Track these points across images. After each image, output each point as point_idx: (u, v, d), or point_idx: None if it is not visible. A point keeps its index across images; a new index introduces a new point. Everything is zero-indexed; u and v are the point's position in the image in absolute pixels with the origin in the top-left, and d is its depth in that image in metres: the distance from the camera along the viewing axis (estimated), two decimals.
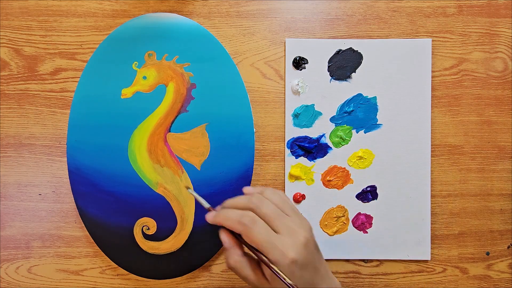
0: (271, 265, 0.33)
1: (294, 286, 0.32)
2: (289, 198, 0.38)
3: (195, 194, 0.45)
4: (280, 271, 0.33)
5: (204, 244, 0.49)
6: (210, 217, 0.38)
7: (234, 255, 0.35)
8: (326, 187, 0.51)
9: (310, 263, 0.34)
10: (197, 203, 0.49)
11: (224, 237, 0.37)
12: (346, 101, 0.50)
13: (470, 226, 0.51)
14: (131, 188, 0.49)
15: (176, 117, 0.49)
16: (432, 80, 0.51)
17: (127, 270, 0.49)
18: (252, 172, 0.49)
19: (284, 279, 0.32)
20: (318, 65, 0.50)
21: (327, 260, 0.51)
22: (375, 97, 0.51)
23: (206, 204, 0.42)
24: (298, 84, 0.50)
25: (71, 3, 0.51)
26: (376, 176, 0.51)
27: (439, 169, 0.51)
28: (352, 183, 0.51)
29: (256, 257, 0.35)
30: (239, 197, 0.38)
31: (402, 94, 0.50)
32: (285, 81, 0.51)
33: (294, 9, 0.51)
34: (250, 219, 0.34)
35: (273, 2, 0.51)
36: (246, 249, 0.37)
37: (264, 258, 0.34)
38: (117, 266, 0.50)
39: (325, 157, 0.51)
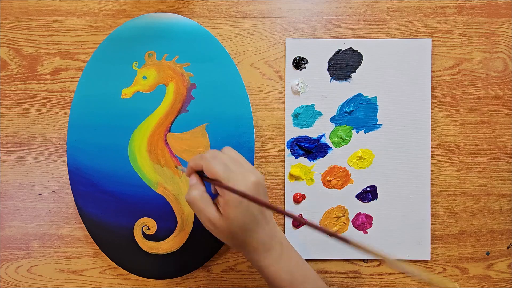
0: (225, 184, 0.37)
1: (246, 193, 0.37)
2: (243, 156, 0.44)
3: (181, 167, 0.47)
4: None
5: (204, 244, 0.49)
6: (187, 169, 0.42)
7: (196, 189, 0.39)
8: (326, 187, 0.51)
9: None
10: None
11: (192, 176, 0.41)
12: (346, 101, 0.50)
13: (470, 226, 0.51)
14: (131, 188, 0.49)
15: (176, 117, 0.49)
16: (432, 80, 0.51)
17: (127, 270, 0.49)
18: None
19: (239, 192, 0.37)
20: (318, 65, 0.50)
21: (327, 260, 0.51)
22: (375, 97, 0.51)
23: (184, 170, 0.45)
24: (298, 84, 0.50)
25: (71, 3, 0.51)
26: (376, 176, 0.51)
27: (439, 169, 0.51)
28: (352, 183, 0.51)
29: (214, 190, 0.40)
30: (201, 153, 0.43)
31: (402, 94, 0.50)
32: (285, 81, 0.51)
33: (294, 9, 0.51)
34: (210, 155, 0.39)
35: (273, 2, 0.51)
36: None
37: (219, 183, 0.38)
38: (117, 266, 0.50)
39: (325, 157, 0.51)
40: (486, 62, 0.51)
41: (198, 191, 0.39)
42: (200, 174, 0.41)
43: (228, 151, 0.42)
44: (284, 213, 0.37)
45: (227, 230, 0.38)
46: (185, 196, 0.40)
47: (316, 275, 0.43)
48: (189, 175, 0.41)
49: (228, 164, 0.39)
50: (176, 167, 0.49)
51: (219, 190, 0.38)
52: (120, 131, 0.49)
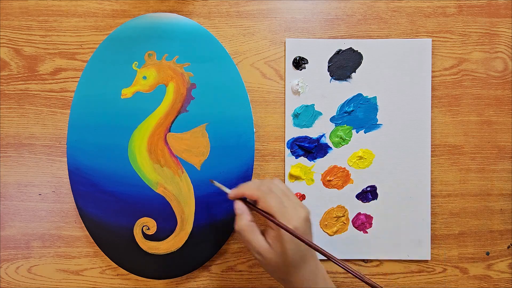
0: (279, 222, 0.38)
1: (301, 237, 0.37)
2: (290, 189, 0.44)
3: (218, 184, 0.46)
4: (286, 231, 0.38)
5: (204, 244, 0.49)
6: (232, 192, 0.42)
7: (244, 219, 0.40)
8: (326, 187, 0.51)
9: (307, 236, 0.39)
10: (198, 203, 0.49)
11: (239, 203, 0.42)
12: (346, 101, 0.50)
13: (470, 226, 0.51)
14: (131, 188, 0.49)
15: (176, 117, 0.49)
16: (432, 80, 0.51)
17: (127, 270, 0.49)
18: (252, 172, 0.49)
19: (293, 232, 0.37)
20: (318, 65, 0.50)
21: (326, 260, 0.51)
22: (375, 97, 0.51)
23: (227, 190, 0.44)
24: (298, 84, 0.50)
25: (71, 3, 0.51)
26: (376, 176, 0.51)
27: (439, 169, 0.51)
28: (352, 183, 0.51)
29: (268, 220, 0.40)
30: (252, 181, 0.44)
31: (402, 94, 0.50)
32: (285, 81, 0.51)
33: (294, 9, 0.51)
34: (267, 188, 0.40)
35: (273, 2, 0.51)
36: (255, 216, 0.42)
37: (274, 219, 0.38)
38: (117, 266, 0.50)
39: (325, 157, 0.51)
40: (486, 62, 0.51)
41: (247, 221, 0.40)
42: (244, 200, 0.42)
43: (279, 184, 0.42)
44: (329, 258, 0.37)
45: (275, 263, 0.39)
46: (235, 225, 0.41)
47: None
48: (232, 198, 0.42)
49: (281, 199, 0.39)
50: (211, 181, 0.46)
51: (270, 223, 0.39)
52: (120, 131, 0.49)
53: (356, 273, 0.37)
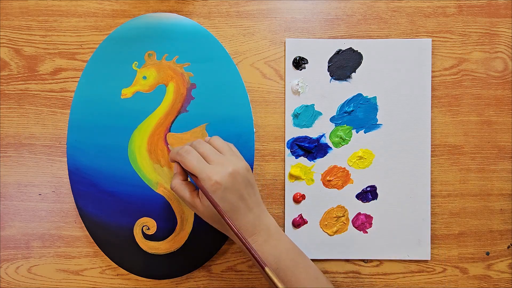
0: (199, 183, 0.40)
1: (211, 197, 0.39)
2: (232, 144, 0.45)
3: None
4: (206, 189, 0.40)
5: (204, 244, 0.49)
6: (169, 156, 0.44)
7: (176, 179, 0.43)
8: (326, 187, 0.51)
9: (234, 190, 0.40)
10: None
11: (175, 166, 0.44)
12: (346, 101, 0.50)
13: (470, 226, 0.51)
14: (131, 188, 0.49)
15: (176, 117, 0.49)
16: (432, 80, 0.51)
17: (127, 270, 0.49)
18: (252, 172, 0.49)
19: (208, 193, 0.39)
20: (318, 65, 0.50)
21: (327, 260, 0.51)
22: (375, 97, 0.51)
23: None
24: (298, 84, 0.50)
25: (71, 3, 0.51)
26: (376, 176, 0.51)
27: (439, 169, 0.51)
28: (352, 183, 0.51)
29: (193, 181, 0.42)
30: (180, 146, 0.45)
31: (402, 94, 0.50)
32: (285, 81, 0.51)
33: (294, 9, 0.51)
34: (185, 150, 0.42)
35: (273, 2, 0.51)
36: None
37: (193, 177, 0.41)
38: (117, 266, 0.50)
39: (325, 157, 0.51)
40: (486, 62, 0.51)
41: (177, 179, 0.43)
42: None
43: (214, 141, 0.43)
44: (230, 225, 0.38)
45: (208, 215, 0.41)
46: (170, 184, 0.44)
47: (309, 263, 0.43)
48: (171, 161, 0.44)
49: (207, 156, 0.41)
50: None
51: (195, 180, 0.41)
52: (120, 131, 0.49)
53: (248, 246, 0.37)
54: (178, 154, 0.42)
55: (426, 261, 0.51)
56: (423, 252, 0.51)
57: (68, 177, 0.49)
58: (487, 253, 0.51)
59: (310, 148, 0.50)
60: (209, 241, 0.49)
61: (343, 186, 0.51)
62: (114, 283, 0.51)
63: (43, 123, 0.51)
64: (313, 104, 0.50)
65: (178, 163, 0.43)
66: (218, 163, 0.41)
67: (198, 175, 0.40)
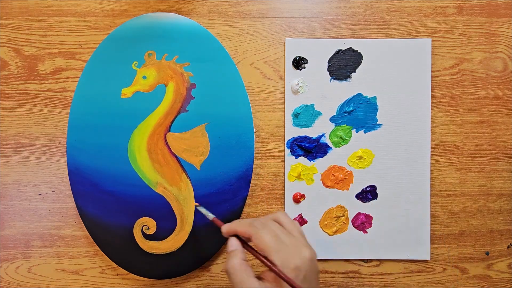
0: (274, 267, 0.34)
1: (297, 285, 0.33)
2: (297, 223, 0.40)
3: (203, 210, 0.45)
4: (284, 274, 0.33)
5: (204, 244, 0.49)
6: (225, 228, 0.39)
7: (237, 257, 0.36)
8: (326, 187, 0.51)
9: (310, 281, 0.34)
10: (197, 202, 0.49)
11: (232, 240, 0.38)
12: (346, 101, 0.50)
13: (470, 226, 0.51)
14: (131, 188, 0.49)
15: (176, 117, 0.49)
16: (432, 80, 0.51)
17: (127, 270, 0.49)
18: (252, 172, 0.49)
19: (289, 279, 0.33)
20: (318, 65, 0.50)
21: (327, 260, 0.51)
22: (375, 97, 0.51)
23: (211, 216, 0.43)
24: (298, 84, 0.50)
25: (71, 3, 0.51)
26: (376, 176, 0.51)
27: (439, 169, 0.51)
28: (352, 183, 0.51)
29: (262, 261, 0.36)
30: (247, 219, 0.40)
31: (402, 94, 0.50)
32: (285, 81, 0.51)
33: (294, 9, 0.51)
34: (260, 223, 0.36)
35: (273, 2, 0.51)
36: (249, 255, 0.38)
37: (267, 262, 0.34)
38: (117, 266, 0.50)
39: (325, 157, 0.51)
40: (486, 62, 0.51)
41: (239, 259, 0.35)
42: (239, 238, 0.38)
43: (282, 218, 0.38)
44: None
45: None
46: (225, 264, 0.36)
47: None
48: (226, 235, 0.38)
49: (279, 235, 0.35)
50: (196, 206, 0.47)
51: (267, 263, 0.35)
52: (120, 131, 0.49)
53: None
54: (252, 226, 0.36)
55: (426, 261, 0.51)
56: (423, 252, 0.51)
57: (68, 177, 0.49)
58: (487, 253, 0.51)
59: (310, 148, 0.50)
60: (209, 241, 0.49)
61: (343, 186, 0.51)
62: (114, 283, 0.51)
63: (43, 123, 0.51)
64: (313, 104, 0.50)
65: (239, 238, 0.37)
66: (292, 245, 0.35)
67: (271, 255, 0.34)
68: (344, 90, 0.50)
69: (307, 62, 0.50)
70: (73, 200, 0.49)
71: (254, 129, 0.50)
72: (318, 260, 0.51)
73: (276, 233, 0.36)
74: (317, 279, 0.36)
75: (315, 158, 0.51)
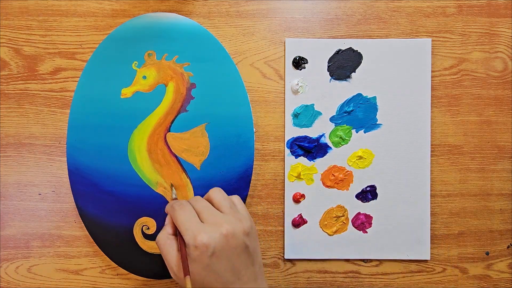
0: (183, 247, 0.35)
1: (186, 263, 0.33)
2: (238, 199, 0.40)
3: (174, 191, 0.47)
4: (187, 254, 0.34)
5: None
6: (166, 206, 0.41)
7: (164, 231, 0.38)
8: (326, 186, 0.51)
9: (225, 257, 0.34)
10: None
11: (168, 217, 0.40)
12: (346, 101, 0.50)
13: (469, 226, 0.51)
14: (131, 188, 0.49)
15: (175, 117, 0.49)
16: (432, 80, 0.51)
17: (127, 270, 0.49)
18: (252, 172, 0.49)
19: (184, 260, 0.33)
20: (318, 65, 0.50)
21: (327, 260, 0.51)
22: (375, 97, 0.51)
23: (173, 196, 0.46)
24: (298, 84, 0.50)
25: (71, 3, 0.51)
26: (376, 176, 0.51)
27: (439, 169, 0.51)
28: (352, 183, 0.51)
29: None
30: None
31: (402, 94, 0.50)
32: (285, 81, 0.51)
33: (294, 9, 0.51)
34: (179, 203, 0.37)
35: (273, 2, 0.51)
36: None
37: (180, 240, 0.35)
38: (117, 266, 0.50)
39: (324, 157, 0.51)
40: (486, 62, 0.51)
41: (165, 233, 0.38)
42: None
43: (213, 195, 0.39)
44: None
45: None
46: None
47: None
48: (166, 212, 0.41)
49: (200, 213, 0.36)
50: (171, 186, 0.48)
51: (180, 243, 0.36)
52: (120, 131, 0.49)
53: None
54: (172, 207, 0.37)
55: (425, 261, 0.51)
56: (423, 252, 0.51)
57: (68, 177, 0.49)
58: (487, 253, 0.51)
59: (310, 148, 0.50)
60: None
61: (342, 186, 0.51)
62: (114, 283, 0.51)
63: (43, 123, 0.51)
64: (313, 104, 0.50)
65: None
66: (212, 222, 0.34)
67: (182, 233, 0.34)
68: (344, 90, 0.50)
69: (307, 62, 0.50)
70: (73, 200, 0.49)
71: (254, 129, 0.50)
72: (318, 260, 0.51)
73: (196, 212, 0.36)
74: (236, 259, 0.34)
75: (315, 158, 0.51)
